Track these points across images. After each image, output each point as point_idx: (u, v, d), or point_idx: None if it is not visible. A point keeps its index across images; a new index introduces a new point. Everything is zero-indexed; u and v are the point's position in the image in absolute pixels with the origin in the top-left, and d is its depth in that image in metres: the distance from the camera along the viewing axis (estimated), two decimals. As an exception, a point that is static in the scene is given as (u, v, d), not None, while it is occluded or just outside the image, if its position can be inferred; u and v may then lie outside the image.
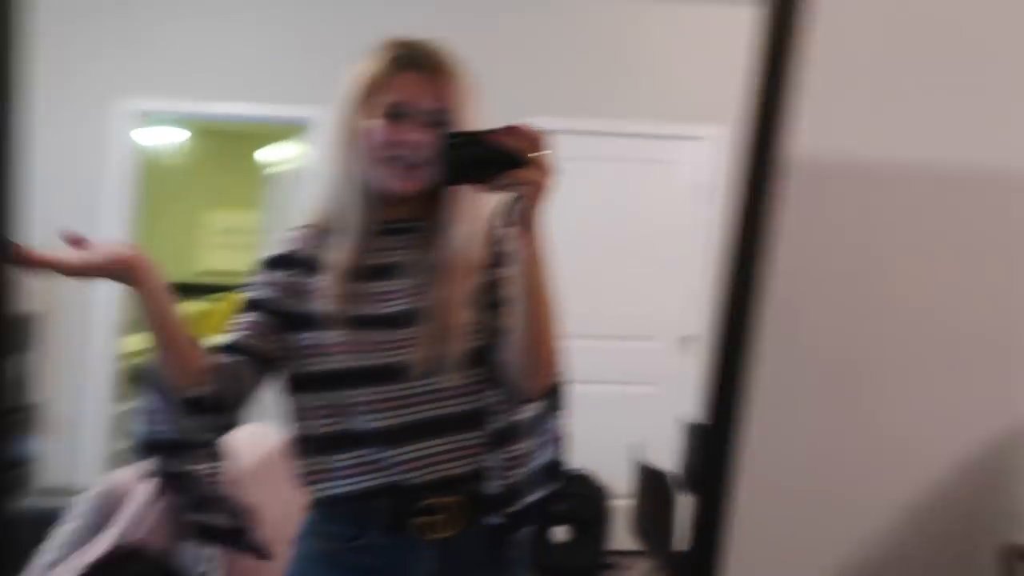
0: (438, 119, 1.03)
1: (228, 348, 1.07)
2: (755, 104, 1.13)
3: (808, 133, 1.19)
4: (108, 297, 3.34)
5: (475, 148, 0.88)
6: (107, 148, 3.36)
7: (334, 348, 1.01)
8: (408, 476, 1.01)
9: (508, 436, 1.02)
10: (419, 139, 1.02)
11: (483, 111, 1.05)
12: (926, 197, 1.26)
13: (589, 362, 3.19)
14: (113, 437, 3.45)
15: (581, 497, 3.05)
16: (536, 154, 0.88)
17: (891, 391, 1.28)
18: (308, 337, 1.03)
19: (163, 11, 3.35)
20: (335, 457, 1.02)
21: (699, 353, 3.33)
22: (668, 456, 2.27)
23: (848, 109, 1.25)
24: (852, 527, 1.29)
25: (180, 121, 5.24)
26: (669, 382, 3.35)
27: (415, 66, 1.04)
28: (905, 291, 1.27)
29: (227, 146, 5.75)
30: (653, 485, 1.84)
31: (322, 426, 1.03)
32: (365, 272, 1.04)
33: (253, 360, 1.05)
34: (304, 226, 1.11)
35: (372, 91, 1.04)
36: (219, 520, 1.06)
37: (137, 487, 1.63)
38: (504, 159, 0.88)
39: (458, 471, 1.03)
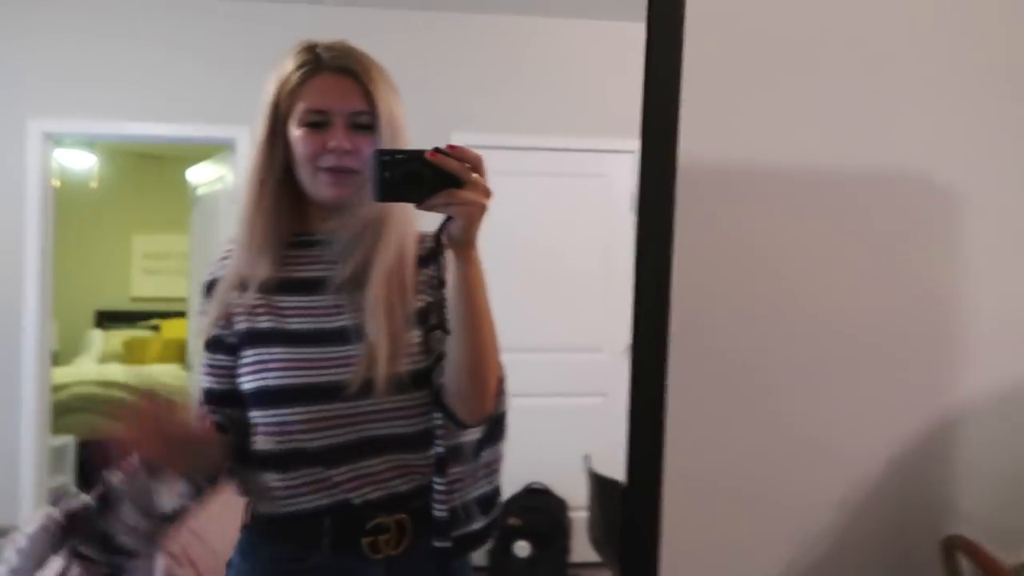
0: (361, 121, 1.00)
1: (209, 397, 1.05)
2: (647, 116, 1.16)
3: (697, 140, 1.22)
4: (38, 328, 3.17)
5: (409, 165, 0.86)
6: (24, 172, 3.18)
7: (269, 365, 0.98)
8: (355, 495, 0.99)
9: (448, 460, 1.00)
10: (343, 145, 0.99)
11: (404, 111, 1.03)
12: (817, 197, 1.30)
13: (537, 375, 3.24)
14: (49, 472, 3.30)
15: (540, 511, 3.03)
16: (474, 175, 0.86)
17: (802, 392, 1.31)
18: (244, 354, 1.00)
19: (79, 31, 3.19)
20: (281, 476, 0.99)
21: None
22: (620, 465, 2.27)
23: (736, 115, 1.29)
24: (787, 529, 1.31)
25: (101, 144, 5.03)
26: (618, 392, 3.35)
27: (330, 68, 1.01)
28: (806, 292, 1.31)
29: (151, 169, 5.56)
30: (606, 494, 1.83)
31: (265, 443, 1.00)
32: (292, 285, 1.02)
33: (228, 406, 1.03)
34: (233, 243, 1.06)
35: (289, 98, 1.01)
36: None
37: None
38: (440, 178, 0.86)
39: (403, 489, 1.01)
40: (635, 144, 3.79)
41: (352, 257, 1.01)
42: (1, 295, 3.15)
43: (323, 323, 1.00)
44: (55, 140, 3.27)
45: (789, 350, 1.31)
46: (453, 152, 0.86)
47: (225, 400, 1.03)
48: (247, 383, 0.99)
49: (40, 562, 1.56)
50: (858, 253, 1.32)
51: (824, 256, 1.31)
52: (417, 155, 0.86)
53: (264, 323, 0.99)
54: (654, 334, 1.17)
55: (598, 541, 1.89)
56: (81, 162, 5.07)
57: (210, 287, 1.05)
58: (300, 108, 1.00)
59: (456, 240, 0.88)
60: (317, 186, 1.01)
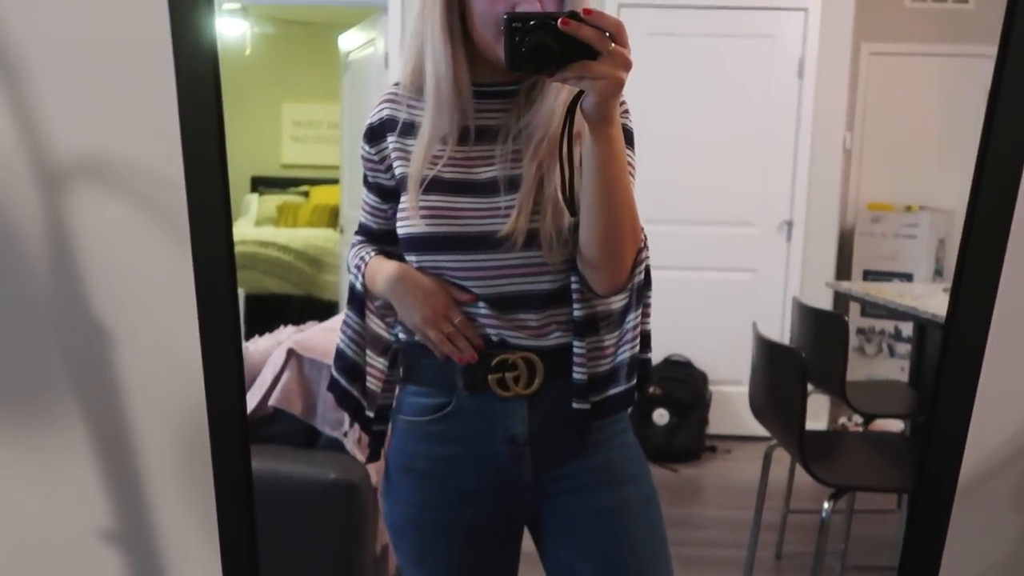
0: None
1: (363, 232, 1.10)
2: None
3: None
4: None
5: (541, 33, 0.80)
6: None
7: (429, 212, 0.97)
8: (493, 333, 0.99)
9: (589, 326, 0.98)
10: (536, 4, 0.92)
11: None
12: None
13: (685, 248, 3.19)
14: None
15: (681, 382, 3.07)
16: (611, 45, 0.79)
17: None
18: (405, 200, 0.99)
19: None
20: None
21: (798, 239, 3.29)
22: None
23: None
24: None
25: (255, 9, 5.16)
26: (767, 269, 3.28)
27: None
28: None
29: (302, 35, 5.67)
30: (776, 360, 1.79)
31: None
32: (463, 135, 0.99)
33: (384, 241, 1.07)
34: (396, 85, 1.05)
35: None
36: (354, 389, 1.08)
37: (271, 356, 1.70)
38: (575, 48, 0.79)
39: (548, 343, 1.00)
40: (807, 1, 3.51)
41: (519, 108, 0.98)
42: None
43: (487, 173, 0.98)
44: (217, 4, 3.37)
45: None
46: (589, 18, 0.79)
47: (383, 238, 1.06)
48: (407, 228, 0.99)
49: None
50: None
51: None
52: (549, 22, 0.80)
53: (430, 171, 0.98)
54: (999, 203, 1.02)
55: (759, 409, 1.89)
56: (235, 29, 5.23)
57: (370, 132, 1.04)
58: None
59: (591, 116, 0.83)
60: (496, 48, 0.93)
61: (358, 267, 1.07)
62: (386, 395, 1.09)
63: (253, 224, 5.46)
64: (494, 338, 1.00)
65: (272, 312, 4.14)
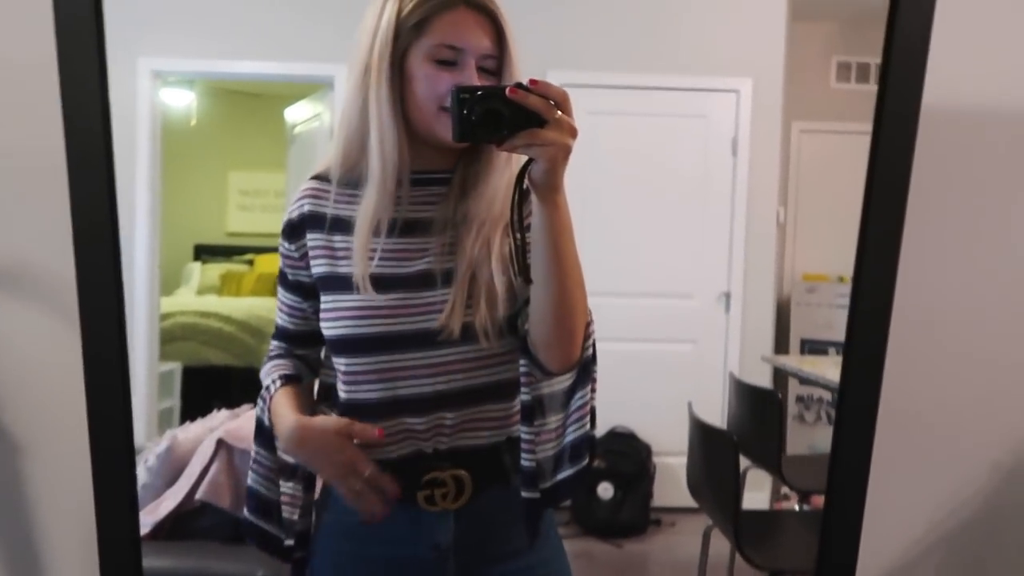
0: (487, 65, 0.95)
1: (280, 336, 1.08)
2: (893, 49, 1.04)
3: (946, 79, 1.09)
4: (147, 261, 3.33)
5: (490, 103, 0.81)
6: (135, 109, 3.30)
7: (362, 311, 0.96)
8: (427, 445, 0.97)
9: (536, 410, 0.96)
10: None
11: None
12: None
13: (626, 320, 3.22)
14: (158, 396, 3.50)
15: (624, 455, 3.06)
16: (558, 113, 0.81)
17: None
18: (332, 299, 0.98)
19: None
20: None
21: (736, 310, 3.35)
22: (711, 413, 2.26)
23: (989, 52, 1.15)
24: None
25: (201, 82, 5.16)
26: (707, 340, 3.33)
27: (467, 2, 0.94)
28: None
29: (248, 107, 5.67)
30: (708, 441, 1.81)
31: (346, 392, 0.98)
32: (396, 227, 0.99)
33: (302, 344, 1.05)
34: (315, 178, 1.04)
35: (415, 29, 0.94)
36: (271, 527, 1.05)
37: (200, 446, 1.66)
38: (523, 117, 0.81)
39: (476, 442, 0.98)
40: (738, 83, 3.67)
41: (453, 197, 0.98)
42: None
43: (420, 266, 0.97)
44: (162, 78, 3.38)
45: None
46: (536, 88, 0.81)
47: (300, 340, 1.04)
48: (335, 329, 0.97)
49: (168, 479, 1.69)
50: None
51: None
52: (498, 92, 0.81)
53: (364, 267, 0.96)
54: (881, 273, 1.08)
55: (696, 487, 1.90)
56: (180, 100, 5.21)
57: (290, 228, 1.03)
58: (428, 42, 0.94)
59: (539, 183, 0.84)
60: (437, 127, 0.95)
61: (263, 398, 1.03)
62: (303, 520, 1.04)
63: (195, 293, 5.35)
64: (426, 449, 0.98)
65: (211, 385, 4.02)
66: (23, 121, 1.06)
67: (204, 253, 5.85)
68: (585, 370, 0.98)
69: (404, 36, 0.95)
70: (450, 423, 0.97)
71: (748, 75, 3.25)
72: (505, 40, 0.95)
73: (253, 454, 1.04)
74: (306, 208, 1.03)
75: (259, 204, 5.88)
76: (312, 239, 1.01)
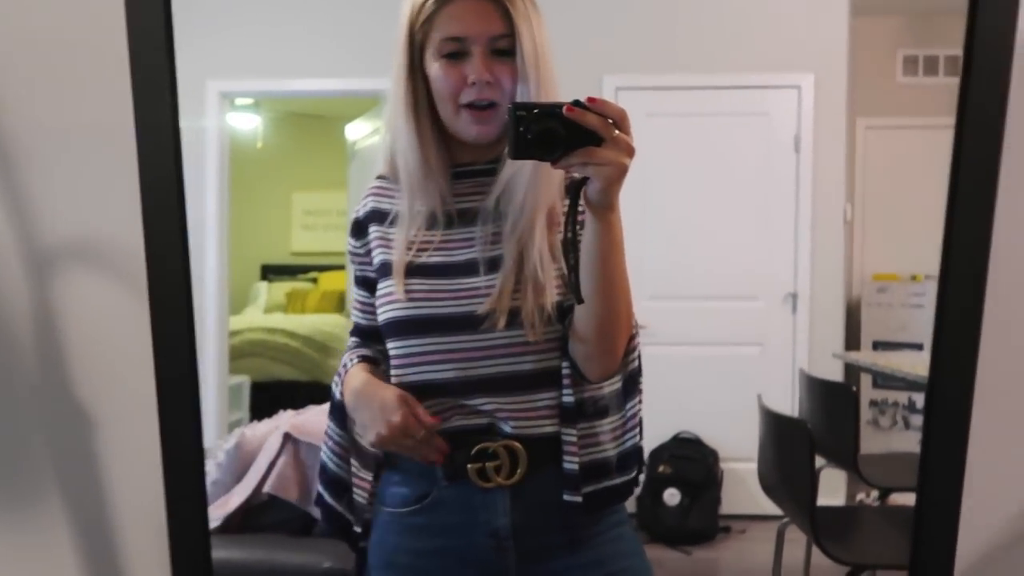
0: (500, 46, 0.93)
1: (356, 332, 1.08)
2: (976, 36, 0.98)
3: None
4: (216, 281, 3.45)
5: (546, 121, 0.80)
6: (204, 132, 3.43)
7: (408, 296, 0.96)
8: (471, 421, 0.96)
9: (578, 413, 0.95)
10: (482, 76, 0.93)
11: (547, 35, 0.95)
12: None
13: (691, 323, 3.17)
14: (228, 407, 3.62)
15: (690, 460, 2.99)
16: (615, 132, 0.80)
17: None
18: (384, 285, 0.99)
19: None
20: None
21: (804, 311, 3.27)
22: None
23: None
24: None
25: (266, 105, 5.34)
26: (773, 342, 3.24)
27: None
28: None
29: (311, 128, 5.84)
30: (785, 434, 1.75)
31: (396, 376, 0.98)
32: (440, 220, 0.99)
33: (377, 339, 1.04)
34: (380, 178, 1.05)
35: (424, 27, 0.95)
36: (340, 505, 1.05)
37: (267, 441, 1.69)
38: (579, 135, 0.79)
39: (534, 431, 0.96)
40: (799, 79, 3.60)
41: (498, 187, 0.98)
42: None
43: (466, 255, 0.98)
44: (229, 100, 3.50)
45: None
46: (593, 106, 0.80)
47: (375, 336, 1.03)
48: (386, 313, 0.98)
49: (237, 475, 1.72)
50: None
51: None
52: (555, 110, 0.80)
53: (408, 257, 0.98)
54: (974, 268, 1.02)
55: (768, 484, 1.84)
56: (247, 124, 5.40)
57: (356, 225, 1.04)
58: (436, 38, 0.94)
59: (594, 202, 0.83)
60: (460, 125, 0.96)
61: (338, 374, 1.05)
62: (372, 508, 1.04)
63: (262, 311, 5.50)
64: (477, 425, 0.97)
65: (278, 399, 4.12)
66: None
67: (270, 272, 6.01)
68: (632, 381, 0.98)
69: (416, 36, 0.96)
70: (504, 410, 0.96)
71: (809, 71, 3.18)
72: (513, 16, 0.93)
73: (326, 428, 1.06)
74: (370, 205, 1.05)
75: (322, 223, 6.02)
76: (374, 233, 1.03)
